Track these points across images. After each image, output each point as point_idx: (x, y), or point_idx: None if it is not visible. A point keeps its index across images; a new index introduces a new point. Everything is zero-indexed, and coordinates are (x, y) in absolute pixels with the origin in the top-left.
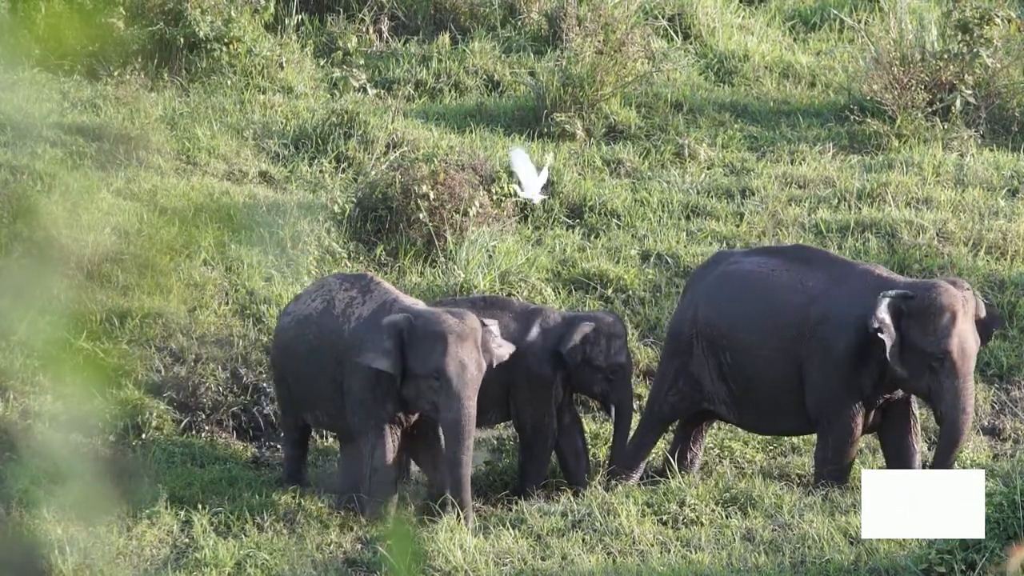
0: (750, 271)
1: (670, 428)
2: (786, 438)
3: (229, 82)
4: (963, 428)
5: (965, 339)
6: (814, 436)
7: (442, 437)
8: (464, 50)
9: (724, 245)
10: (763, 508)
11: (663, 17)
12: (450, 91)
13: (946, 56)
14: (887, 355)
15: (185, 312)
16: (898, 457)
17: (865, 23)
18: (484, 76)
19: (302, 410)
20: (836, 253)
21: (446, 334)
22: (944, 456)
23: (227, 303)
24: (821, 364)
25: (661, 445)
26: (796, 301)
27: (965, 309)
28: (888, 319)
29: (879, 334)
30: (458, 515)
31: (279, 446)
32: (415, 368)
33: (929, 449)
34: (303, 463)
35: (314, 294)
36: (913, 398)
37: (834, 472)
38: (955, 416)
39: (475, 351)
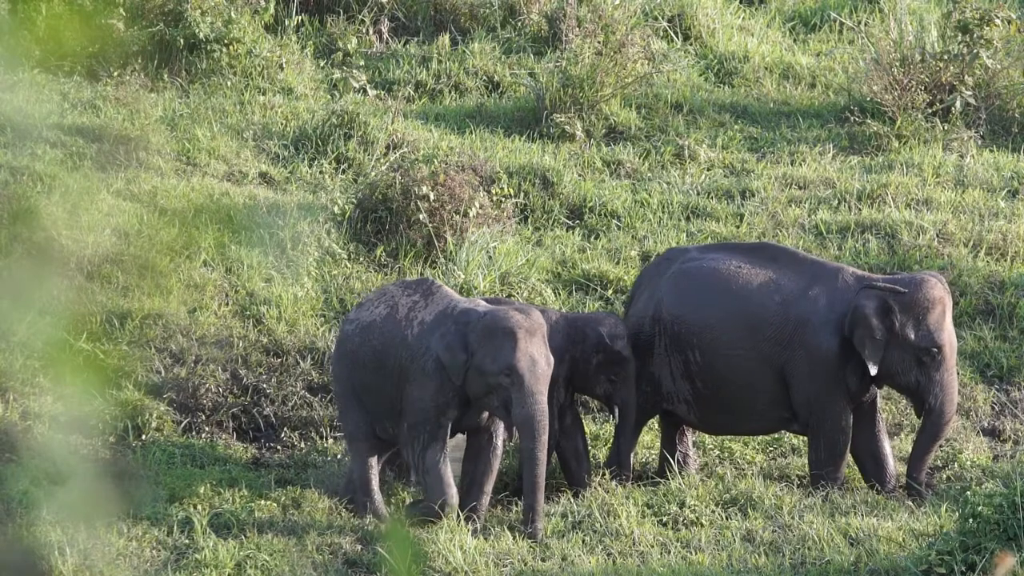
0: (717, 268)
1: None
2: (786, 439)
3: (229, 83)
4: (950, 420)
5: (952, 332)
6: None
7: (518, 435)
8: (464, 51)
9: (695, 245)
10: (763, 509)
11: (663, 18)
12: (450, 92)
13: (946, 57)
14: (866, 353)
15: (185, 313)
16: (873, 457)
17: (865, 24)
18: (484, 77)
19: (376, 422)
20: (803, 252)
21: (515, 330)
22: (927, 447)
23: (227, 304)
24: (806, 366)
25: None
26: (773, 301)
27: (950, 302)
28: (877, 315)
29: (866, 334)
30: (528, 520)
31: (279, 447)
32: (485, 366)
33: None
34: (376, 479)
35: (377, 300)
36: (878, 397)
37: (831, 473)
38: (943, 408)
39: (543, 346)
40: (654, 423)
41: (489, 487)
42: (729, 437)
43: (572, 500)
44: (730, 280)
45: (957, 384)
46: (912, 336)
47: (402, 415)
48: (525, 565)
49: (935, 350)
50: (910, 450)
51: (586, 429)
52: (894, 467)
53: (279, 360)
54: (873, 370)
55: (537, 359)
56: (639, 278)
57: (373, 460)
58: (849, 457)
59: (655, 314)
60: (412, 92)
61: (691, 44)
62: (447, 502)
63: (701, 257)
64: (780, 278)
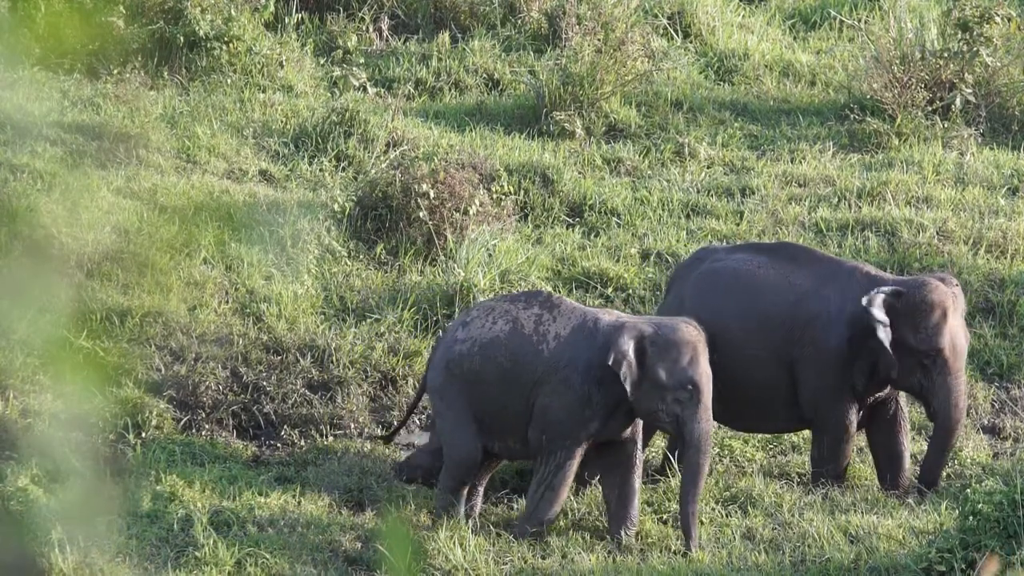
0: (737, 268)
1: None
2: (785, 437)
3: (229, 81)
4: (956, 425)
5: (956, 335)
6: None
7: (686, 449)
8: (464, 49)
9: (724, 244)
10: (763, 507)
11: (663, 16)
12: (450, 90)
13: (946, 55)
14: (885, 349)
15: (185, 311)
16: (888, 457)
17: (865, 22)
18: (484, 75)
19: (491, 439)
20: (821, 251)
21: (694, 343)
22: (937, 454)
23: (227, 302)
24: (813, 363)
25: (661, 444)
26: (784, 299)
27: (955, 305)
28: (884, 316)
29: (878, 332)
30: (687, 528)
31: (279, 444)
32: (663, 379)
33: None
34: (470, 497)
35: (486, 316)
36: (902, 397)
37: (832, 471)
38: (947, 413)
39: (707, 359)
40: None
41: (636, 507)
42: (728, 435)
43: (572, 498)
44: (748, 279)
45: (964, 391)
46: (911, 339)
47: (537, 429)
48: (525, 563)
49: (934, 354)
50: (919, 451)
51: None
52: (908, 470)
53: (279, 358)
54: (892, 369)
55: (710, 374)
56: (671, 277)
57: (467, 486)
58: (854, 454)
59: (679, 313)
60: (412, 90)
61: (691, 42)
62: (550, 522)
63: (726, 257)
64: (796, 277)
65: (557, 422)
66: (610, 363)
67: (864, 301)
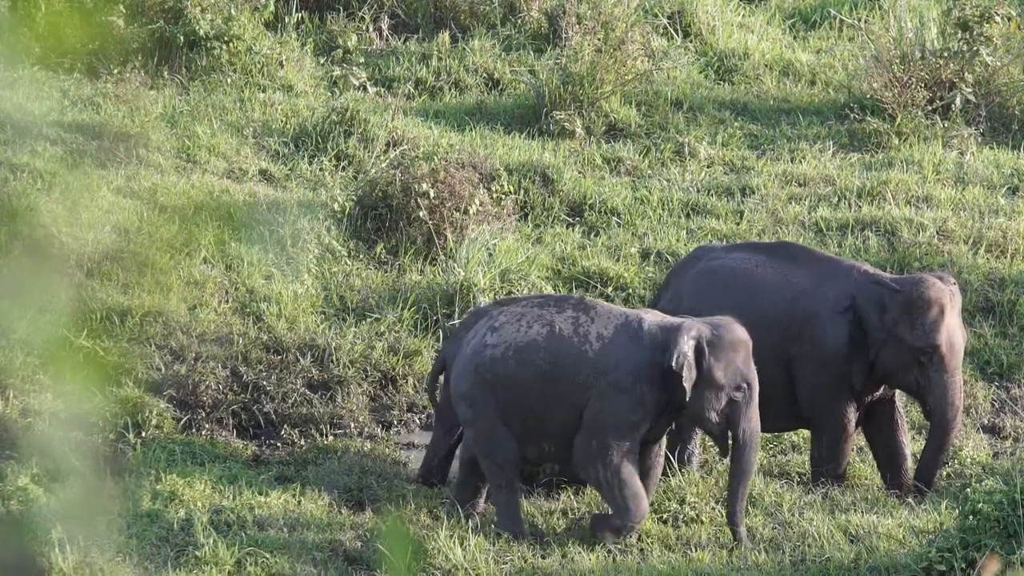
0: (735, 267)
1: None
2: (785, 436)
3: (229, 80)
4: (952, 423)
5: (953, 333)
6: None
7: (742, 447)
8: (464, 48)
9: (724, 243)
10: (763, 506)
11: (663, 15)
12: (450, 89)
13: (946, 54)
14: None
15: (185, 310)
16: (888, 456)
17: (865, 21)
18: (484, 74)
19: (524, 443)
20: (820, 250)
21: (746, 342)
22: (934, 452)
23: (227, 301)
24: (811, 361)
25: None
26: (782, 298)
27: (952, 303)
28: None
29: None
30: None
31: (279, 444)
32: (720, 379)
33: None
34: (473, 496)
35: (521, 321)
36: (898, 395)
37: (831, 470)
38: (944, 411)
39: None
40: None
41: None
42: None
43: (572, 497)
44: (746, 278)
45: (960, 389)
46: (908, 336)
47: (587, 435)
48: (525, 562)
49: (930, 351)
50: (918, 450)
51: None
52: (908, 467)
53: (279, 357)
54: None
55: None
56: (668, 275)
57: (518, 486)
58: (854, 454)
59: (676, 311)
60: (412, 89)
61: (691, 41)
62: (641, 517)
63: (724, 256)
64: (794, 275)
65: (610, 426)
66: (672, 365)
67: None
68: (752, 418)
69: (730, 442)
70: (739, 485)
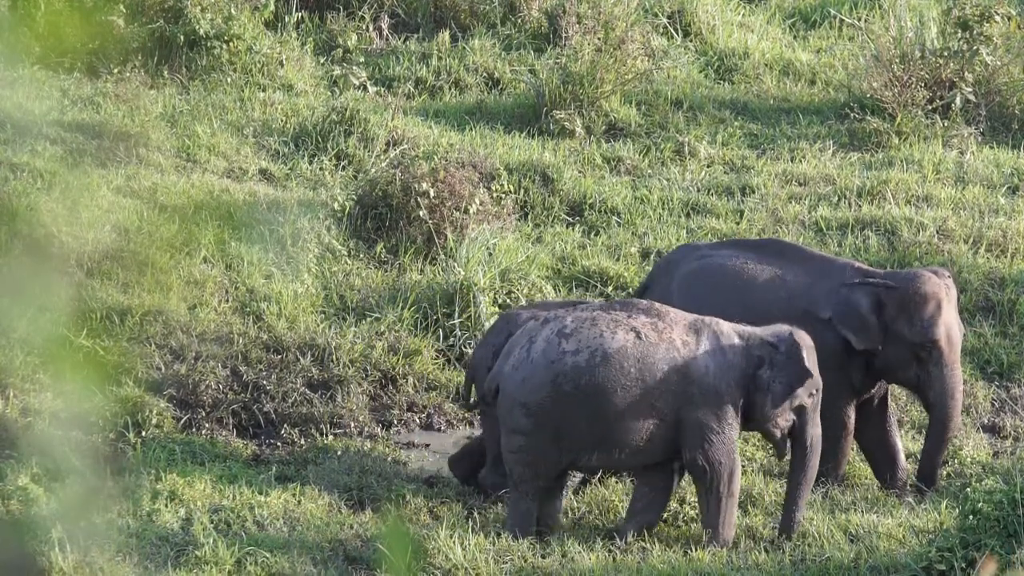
0: (726, 265)
1: None
2: None
3: (229, 80)
4: (952, 417)
5: (951, 327)
6: None
7: (805, 450)
8: (464, 48)
9: (707, 242)
10: (763, 506)
11: (663, 15)
12: (450, 89)
13: (946, 54)
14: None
15: (185, 310)
16: (883, 455)
17: (865, 21)
18: (484, 74)
19: (593, 452)
20: (809, 247)
21: (812, 346)
22: (935, 447)
23: (227, 301)
24: None
25: None
26: (778, 297)
27: (948, 297)
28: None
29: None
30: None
31: (279, 443)
32: (795, 386)
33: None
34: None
35: (596, 327)
36: (889, 394)
37: (831, 469)
38: (944, 405)
39: None
40: None
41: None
42: None
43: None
44: (736, 276)
45: (960, 383)
46: (906, 332)
47: (692, 445)
48: (525, 562)
49: (929, 345)
50: (919, 450)
51: None
52: (905, 463)
53: (279, 357)
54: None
55: None
56: (650, 274)
57: (537, 503)
58: (854, 454)
59: None
60: (412, 89)
61: (691, 41)
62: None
63: (710, 254)
64: (786, 274)
65: (715, 433)
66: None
67: (851, 294)
68: (817, 423)
69: (788, 447)
70: (803, 492)
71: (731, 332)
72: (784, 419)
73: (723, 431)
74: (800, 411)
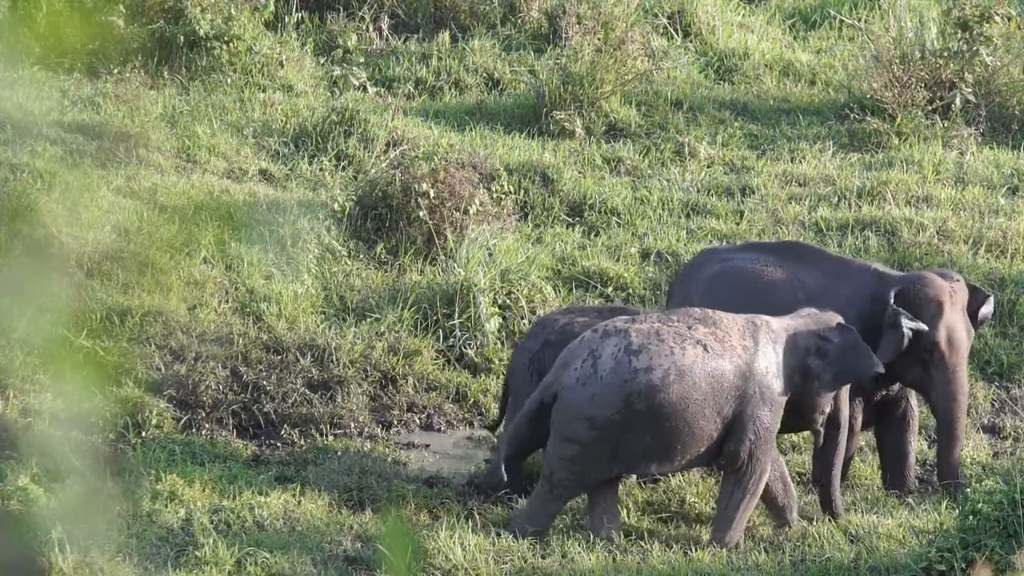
0: (744, 268)
1: None
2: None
3: (229, 80)
4: (956, 418)
5: (953, 330)
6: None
7: (835, 432)
8: (464, 48)
9: (724, 243)
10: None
11: (663, 15)
12: (450, 89)
13: (946, 54)
14: (890, 350)
15: (185, 310)
16: (893, 456)
17: (865, 21)
18: (484, 74)
19: (634, 464)
20: (828, 250)
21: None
22: (947, 448)
23: (227, 301)
24: None
25: None
26: (796, 299)
27: (953, 300)
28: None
29: (900, 329)
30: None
31: (279, 444)
32: (829, 384)
33: (930, 447)
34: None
35: (666, 342)
36: (912, 396)
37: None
38: (946, 407)
39: None
40: None
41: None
42: None
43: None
44: (756, 279)
45: (964, 385)
46: None
47: (738, 440)
48: (525, 562)
49: (930, 348)
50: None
51: None
52: (913, 468)
53: (279, 357)
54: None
55: None
56: (675, 279)
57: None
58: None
59: None
60: (412, 89)
61: (691, 41)
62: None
63: (731, 257)
64: (804, 276)
65: (764, 430)
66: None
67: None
68: (847, 402)
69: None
70: (837, 470)
71: (780, 328)
72: (828, 406)
73: (771, 429)
74: (836, 400)
